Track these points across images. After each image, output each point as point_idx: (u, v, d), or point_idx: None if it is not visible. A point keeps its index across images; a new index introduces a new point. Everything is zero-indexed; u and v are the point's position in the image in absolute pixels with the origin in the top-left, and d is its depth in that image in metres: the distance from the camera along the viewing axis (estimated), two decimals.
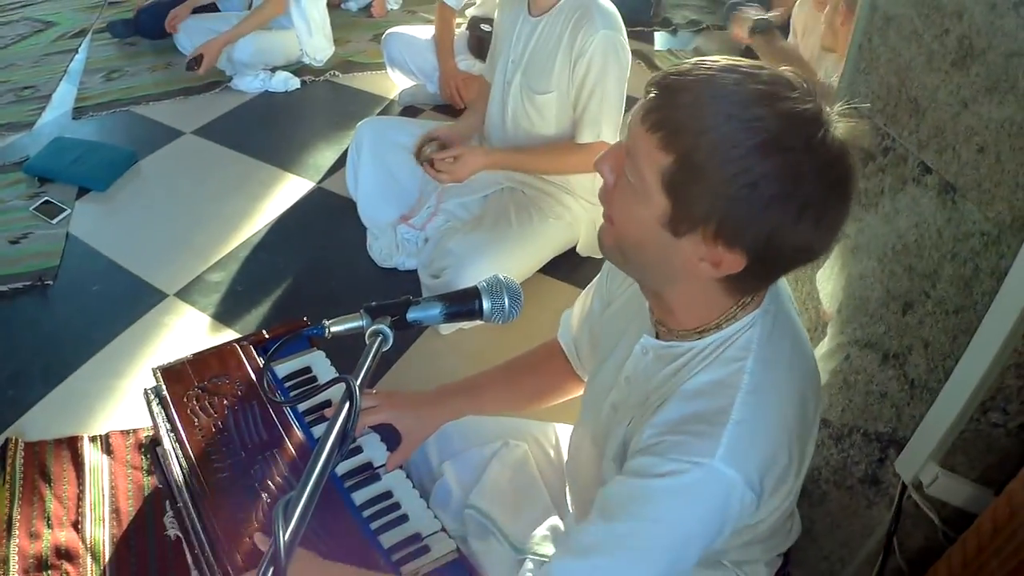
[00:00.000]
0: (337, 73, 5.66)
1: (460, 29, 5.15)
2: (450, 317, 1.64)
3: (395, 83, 5.29)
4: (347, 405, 1.20)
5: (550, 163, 3.57)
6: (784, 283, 1.66)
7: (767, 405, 1.46)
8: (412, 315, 1.58)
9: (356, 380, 1.26)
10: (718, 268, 1.40)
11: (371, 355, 1.39)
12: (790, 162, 1.28)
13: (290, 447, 2.09)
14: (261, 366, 2.30)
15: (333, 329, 1.54)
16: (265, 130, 5.04)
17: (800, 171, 1.29)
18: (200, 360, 2.34)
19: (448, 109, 5.11)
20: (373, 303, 1.56)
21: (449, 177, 3.53)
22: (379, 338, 1.45)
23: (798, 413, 1.52)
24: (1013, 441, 1.64)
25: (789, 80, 1.33)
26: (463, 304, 1.64)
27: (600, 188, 1.54)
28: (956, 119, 1.65)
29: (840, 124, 1.33)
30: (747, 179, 1.29)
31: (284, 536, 0.99)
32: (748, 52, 5.71)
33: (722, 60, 1.36)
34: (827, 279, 2.19)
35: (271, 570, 0.97)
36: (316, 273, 3.90)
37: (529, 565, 1.93)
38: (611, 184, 1.50)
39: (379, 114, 5.20)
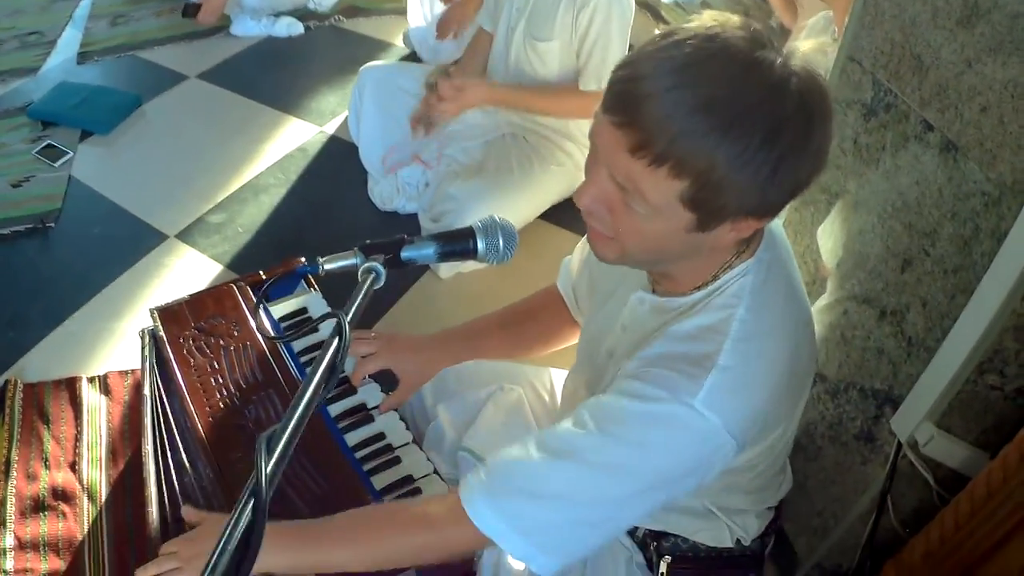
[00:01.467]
0: (342, 18, 5.60)
1: None
2: (444, 256, 1.63)
3: (409, 21, 5.18)
4: (336, 340, 1.20)
5: (551, 104, 3.56)
6: (782, 233, 1.67)
7: (756, 353, 1.46)
8: (406, 254, 1.58)
9: (347, 316, 1.25)
10: (743, 233, 1.42)
11: (363, 293, 1.39)
12: (795, 133, 1.28)
13: (285, 388, 2.09)
14: (257, 298, 2.30)
15: (327, 266, 1.54)
16: (270, 75, 5.02)
17: (805, 135, 1.30)
18: (197, 301, 2.34)
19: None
20: (368, 241, 1.56)
21: (452, 106, 3.53)
22: (372, 276, 1.44)
23: (789, 362, 1.51)
24: (1010, 405, 1.64)
25: (750, 39, 1.30)
26: (457, 243, 1.63)
27: (585, 213, 1.50)
28: (959, 78, 1.64)
29: (795, 54, 1.33)
30: (768, 169, 1.29)
31: (266, 468, 0.98)
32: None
33: (676, 52, 1.30)
34: (827, 234, 2.18)
35: (252, 502, 0.96)
36: (317, 216, 3.90)
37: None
38: (606, 216, 1.45)
39: (384, 60, 5.15)
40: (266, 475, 0.97)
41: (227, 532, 0.93)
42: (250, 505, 0.95)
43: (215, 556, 0.91)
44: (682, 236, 1.39)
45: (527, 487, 1.48)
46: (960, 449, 1.70)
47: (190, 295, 2.37)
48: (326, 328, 2.23)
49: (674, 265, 1.55)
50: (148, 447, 2.10)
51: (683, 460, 1.44)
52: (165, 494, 2.03)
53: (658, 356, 1.48)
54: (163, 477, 2.06)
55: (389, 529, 1.60)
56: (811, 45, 1.37)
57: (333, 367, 1.18)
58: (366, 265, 1.47)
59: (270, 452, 1.01)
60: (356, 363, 2.10)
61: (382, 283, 1.47)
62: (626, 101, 1.33)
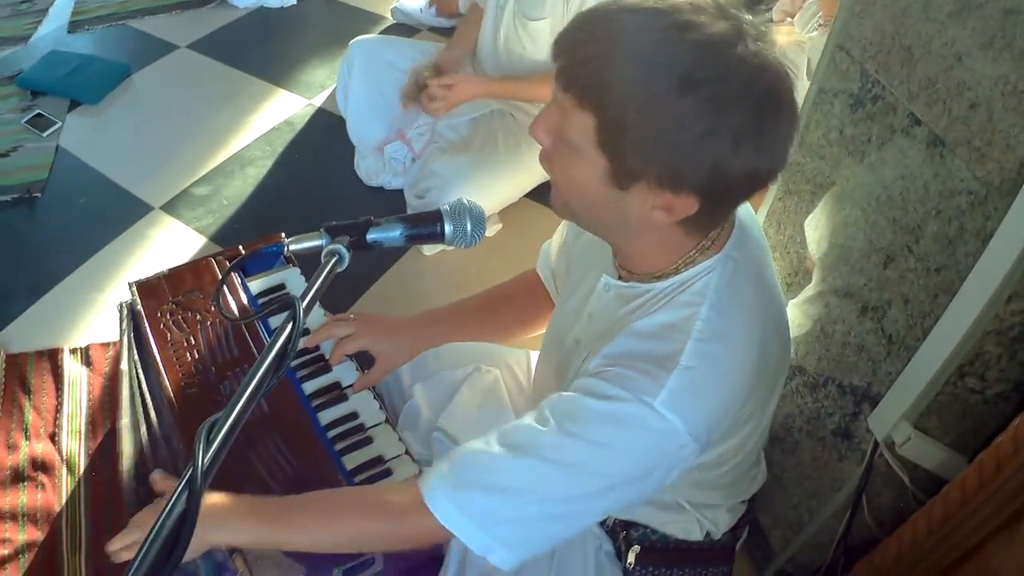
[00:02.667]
0: None
1: None
2: (411, 239, 1.62)
3: None
4: (289, 326, 1.18)
5: (542, 91, 3.49)
6: (756, 228, 1.67)
7: (720, 354, 1.46)
8: (372, 236, 1.56)
9: (303, 301, 1.24)
10: (672, 214, 1.40)
11: (323, 275, 1.38)
12: (710, 94, 1.26)
13: None
14: (220, 280, 2.30)
15: (293, 247, 1.54)
16: (260, 46, 5.00)
17: (724, 100, 1.27)
18: (175, 275, 2.34)
19: (445, 30, 5.06)
20: (334, 222, 1.55)
21: (442, 104, 3.51)
22: (334, 259, 1.43)
23: (757, 362, 1.51)
24: (990, 409, 1.63)
25: (696, 4, 1.30)
26: (424, 227, 1.62)
27: (540, 153, 1.53)
28: (949, 72, 1.62)
29: (764, 33, 1.31)
30: (671, 123, 1.27)
31: (203, 459, 0.97)
32: None
33: (626, 1, 1.33)
34: (812, 225, 2.17)
35: (185, 494, 0.95)
36: (303, 189, 3.90)
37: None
38: (548, 149, 1.49)
39: (375, 32, 5.15)
40: (202, 466, 0.96)
41: (159, 523, 0.92)
42: (184, 496, 0.94)
43: (144, 548, 0.91)
44: (602, 190, 1.40)
45: (487, 481, 1.49)
46: (937, 451, 1.70)
47: (169, 269, 2.36)
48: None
49: (620, 238, 1.57)
50: (125, 420, 2.10)
51: (643, 460, 1.44)
52: (139, 468, 2.03)
53: (620, 354, 1.48)
54: (138, 450, 2.06)
55: (351, 515, 1.60)
56: (786, 39, 1.37)
57: (283, 354, 1.16)
58: (329, 247, 1.46)
59: (209, 442, 1.00)
60: (334, 344, 2.11)
61: (345, 266, 1.46)
62: (566, 30, 1.37)
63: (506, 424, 1.55)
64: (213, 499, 1.60)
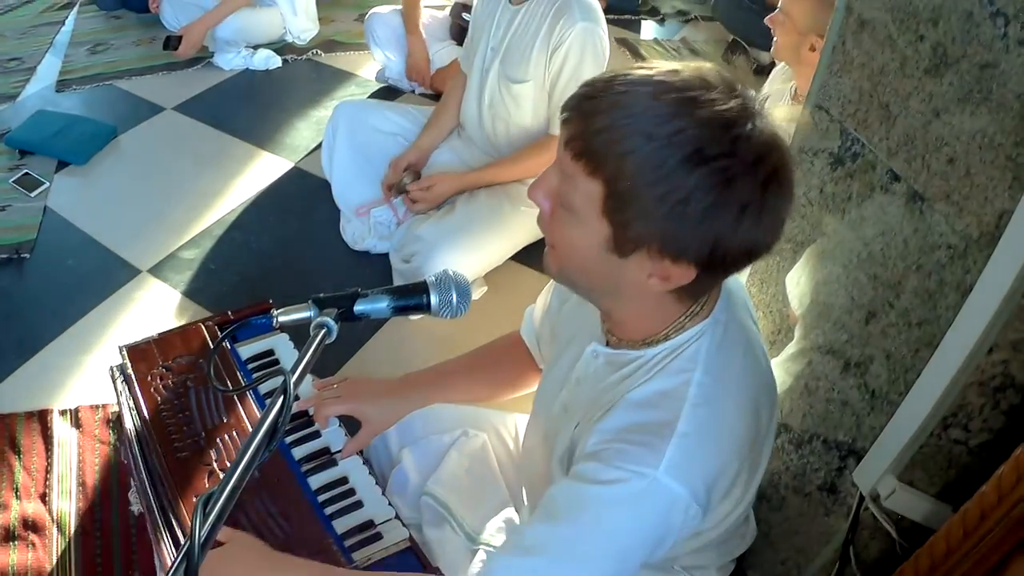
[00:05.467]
0: (319, 52, 5.63)
1: (443, 13, 5.14)
2: (398, 311, 1.63)
3: (377, 63, 5.26)
4: (280, 400, 1.21)
5: (521, 168, 3.60)
6: (741, 290, 1.68)
7: (715, 417, 1.47)
8: (360, 308, 1.58)
9: (294, 375, 1.27)
10: (668, 282, 1.41)
11: (312, 348, 1.40)
12: (718, 169, 1.28)
13: (249, 430, 2.09)
14: (211, 351, 2.30)
15: (281, 319, 1.54)
16: (245, 108, 5.04)
17: (730, 176, 1.28)
18: (165, 339, 2.35)
19: (430, 94, 5.10)
20: (321, 294, 1.56)
21: (424, 205, 3.59)
22: (323, 331, 1.45)
23: (750, 423, 1.52)
24: (974, 459, 1.64)
25: (707, 79, 1.32)
26: (411, 298, 1.63)
27: (538, 215, 1.54)
28: (927, 128, 1.63)
29: (767, 112, 1.33)
30: (678, 196, 1.29)
31: (200, 532, 1.00)
32: (735, 43, 5.73)
33: (637, 72, 1.36)
34: (794, 283, 2.18)
35: (183, 566, 0.97)
36: (289, 253, 3.91)
37: (482, 556, 1.93)
38: (547, 212, 1.50)
39: (361, 95, 5.20)
40: (199, 538, 0.98)
41: None
42: (182, 568, 0.97)
43: None
44: (601, 256, 1.41)
45: None
46: (922, 502, 1.70)
47: (159, 334, 2.37)
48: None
49: (611, 303, 1.58)
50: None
51: (652, 532, 1.46)
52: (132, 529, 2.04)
53: (617, 429, 1.49)
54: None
55: None
56: (784, 113, 1.39)
57: (275, 429, 1.18)
58: (317, 320, 1.48)
59: (206, 515, 1.03)
60: (315, 408, 2.13)
61: (333, 338, 1.47)
62: (575, 97, 1.39)
63: (514, 524, 1.58)
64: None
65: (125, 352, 2.30)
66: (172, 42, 5.20)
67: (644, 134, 1.28)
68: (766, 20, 3.35)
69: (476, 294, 3.49)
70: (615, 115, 1.31)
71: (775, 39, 3.33)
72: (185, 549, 0.98)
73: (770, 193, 1.33)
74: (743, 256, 1.41)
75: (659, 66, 1.36)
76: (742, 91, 1.33)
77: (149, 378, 2.23)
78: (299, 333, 2.18)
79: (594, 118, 1.33)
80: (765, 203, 1.33)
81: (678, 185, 1.28)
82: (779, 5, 3.28)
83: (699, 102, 1.29)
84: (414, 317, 3.42)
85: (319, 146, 4.39)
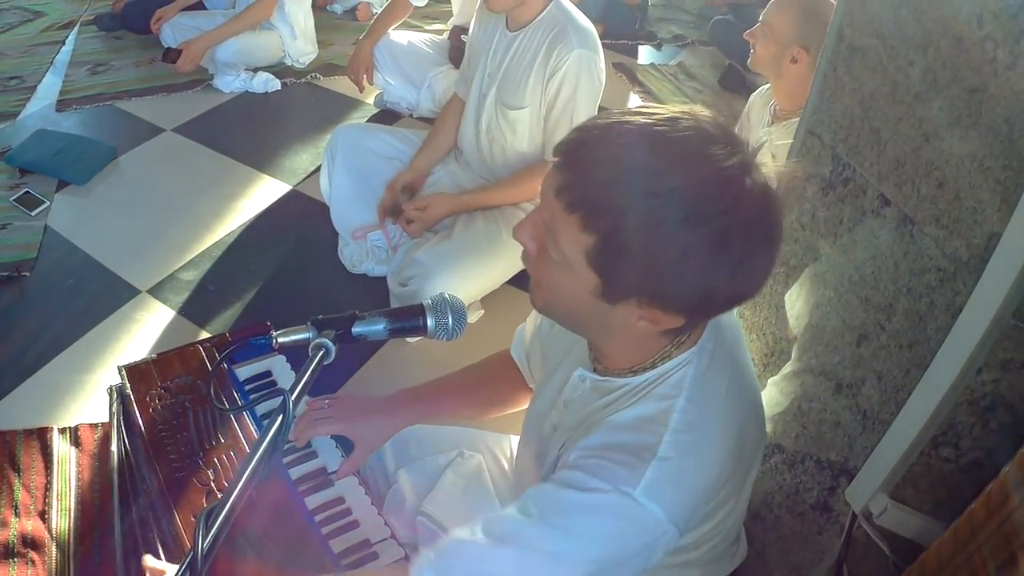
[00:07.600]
0: (318, 75, 5.66)
1: (441, 37, 5.18)
2: (394, 333, 1.65)
3: (377, 87, 5.26)
4: (280, 418, 1.23)
5: (516, 191, 3.60)
6: (730, 316, 1.66)
7: (697, 445, 1.47)
8: (357, 329, 1.60)
9: (292, 394, 1.29)
10: (656, 325, 1.41)
11: (311, 369, 1.42)
12: (717, 229, 1.27)
13: (247, 450, 2.10)
14: (211, 371, 2.32)
15: (281, 340, 1.57)
16: (244, 130, 5.07)
17: (728, 234, 1.28)
18: (164, 360, 2.37)
19: (427, 118, 5.09)
20: (320, 316, 1.59)
21: (419, 226, 3.60)
22: (321, 352, 1.48)
23: (733, 450, 1.52)
24: (965, 477, 1.64)
25: (707, 132, 1.31)
26: (407, 321, 1.66)
27: (523, 252, 1.55)
28: (917, 152, 1.65)
29: (761, 163, 1.33)
30: (675, 254, 1.28)
31: (203, 544, 1.02)
32: (731, 68, 5.75)
33: (634, 119, 1.33)
34: (787, 306, 2.20)
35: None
36: (287, 276, 3.93)
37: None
38: (533, 253, 1.51)
39: (360, 118, 5.23)
40: (202, 550, 1.01)
41: None
42: None
43: None
44: (589, 301, 1.41)
45: (473, 569, 1.51)
46: (914, 519, 1.71)
47: (158, 354, 2.39)
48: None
49: (598, 339, 1.59)
50: (115, 501, 2.13)
51: (624, 548, 1.45)
52: (129, 547, 2.05)
53: (599, 447, 1.49)
54: (131, 531, 2.08)
55: None
56: (772, 168, 1.38)
57: (275, 445, 1.21)
58: (316, 341, 1.50)
59: (208, 528, 1.05)
60: (302, 427, 2.11)
61: (332, 359, 1.50)
62: (570, 143, 1.37)
63: (491, 513, 1.55)
64: None
65: (124, 372, 2.32)
66: (171, 54, 5.20)
67: (643, 191, 1.28)
68: (745, 35, 3.38)
69: (472, 318, 3.49)
70: (613, 169, 1.30)
71: (753, 50, 3.35)
72: (188, 560, 1.00)
73: (763, 248, 1.34)
74: (728, 304, 1.43)
75: (656, 111, 1.34)
76: (740, 144, 1.32)
77: (148, 398, 2.24)
78: (296, 355, 2.22)
79: (590, 170, 1.32)
80: (757, 257, 1.34)
81: (676, 243, 1.28)
82: (761, 17, 3.31)
83: (700, 158, 1.28)
84: (411, 339, 3.45)
85: (318, 169, 4.41)
